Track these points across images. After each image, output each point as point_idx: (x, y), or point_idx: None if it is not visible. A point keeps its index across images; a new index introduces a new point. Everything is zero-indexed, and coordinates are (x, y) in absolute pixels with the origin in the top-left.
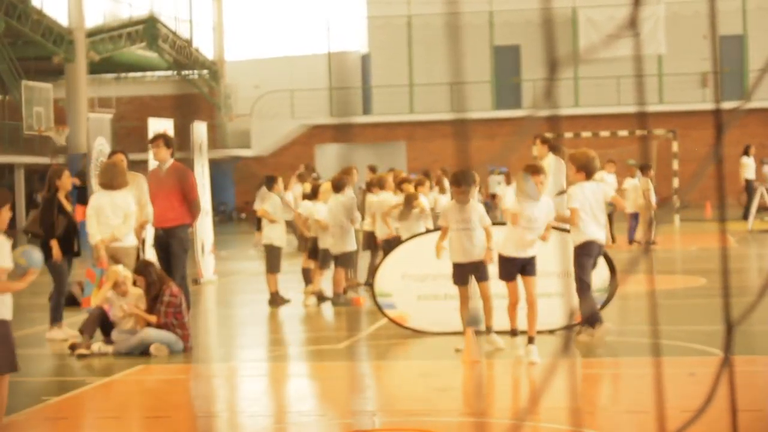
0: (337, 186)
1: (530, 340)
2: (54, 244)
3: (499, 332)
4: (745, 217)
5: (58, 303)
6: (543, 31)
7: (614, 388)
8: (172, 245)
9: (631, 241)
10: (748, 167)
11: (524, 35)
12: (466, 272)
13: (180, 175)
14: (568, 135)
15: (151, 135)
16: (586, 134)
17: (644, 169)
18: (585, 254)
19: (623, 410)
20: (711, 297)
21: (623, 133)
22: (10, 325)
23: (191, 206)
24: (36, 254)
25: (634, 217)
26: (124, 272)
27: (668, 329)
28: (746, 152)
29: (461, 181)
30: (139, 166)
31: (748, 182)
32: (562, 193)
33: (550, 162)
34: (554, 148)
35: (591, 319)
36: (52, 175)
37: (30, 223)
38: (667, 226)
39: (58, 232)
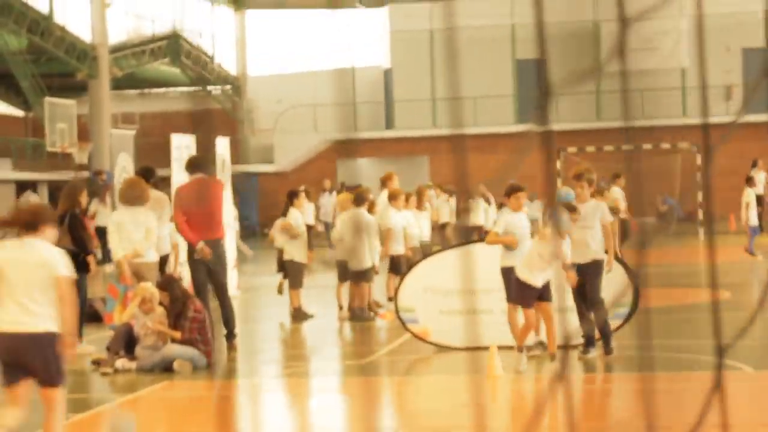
0: (358, 200)
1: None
2: (91, 260)
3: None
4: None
5: (80, 319)
6: (537, 50)
7: (634, 404)
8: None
9: None
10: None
11: (547, 48)
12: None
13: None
14: (590, 149)
15: (174, 151)
16: (608, 148)
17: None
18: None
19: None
20: (735, 311)
21: (647, 146)
22: None
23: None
24: None
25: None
26: (152, 290)
27: (692, 343)
28: (754, 165)
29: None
30: (163, 182)
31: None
32: None
33: None
34: None
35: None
36: (72, 191)
37: (60, 239)
38: (691, 238)
39: (89, 247)
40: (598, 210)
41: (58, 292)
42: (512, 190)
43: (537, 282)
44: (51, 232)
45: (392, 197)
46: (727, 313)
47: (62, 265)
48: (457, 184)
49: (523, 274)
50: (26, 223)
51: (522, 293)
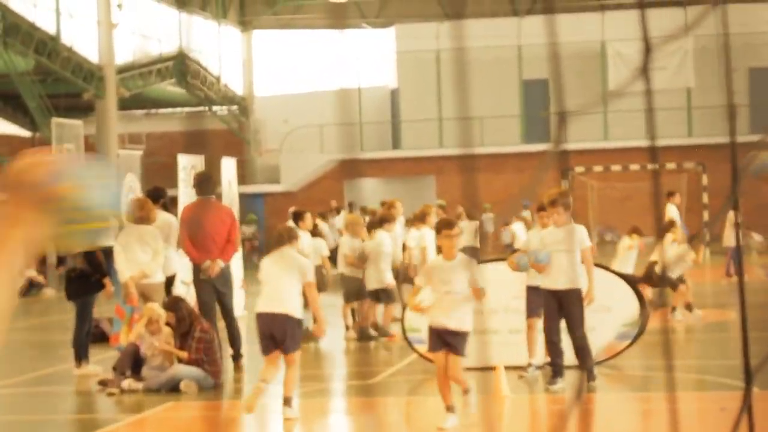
0: (382, 221)
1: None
2: (107, 282)
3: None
4: None
5: (86, 340)
6: (551, 71)
7: (645, 423)
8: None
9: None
10: None
11: (561, 70)
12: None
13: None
14: (598, 169)
15: (180, 171)
16: (615, 168)
17: None
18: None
19: None
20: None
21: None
22: None
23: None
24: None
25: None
26: (158, 310)
27: (700, 363)
28: None
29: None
30: (171, 202)
31: None
32: None
33: None
34: None
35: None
36: None
37: (74, 260)
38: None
39: (104, 269)
40: (575, 234)
41: (307, 294)
42: (539, 208)
43: (450, 324)
44: (297, 244)
45: (425, 216)
46: (735, 333)
47: (310, 272)
48: (465, 203)
49: (436, 319)
50: (280, 239)
51: (430, 337)
